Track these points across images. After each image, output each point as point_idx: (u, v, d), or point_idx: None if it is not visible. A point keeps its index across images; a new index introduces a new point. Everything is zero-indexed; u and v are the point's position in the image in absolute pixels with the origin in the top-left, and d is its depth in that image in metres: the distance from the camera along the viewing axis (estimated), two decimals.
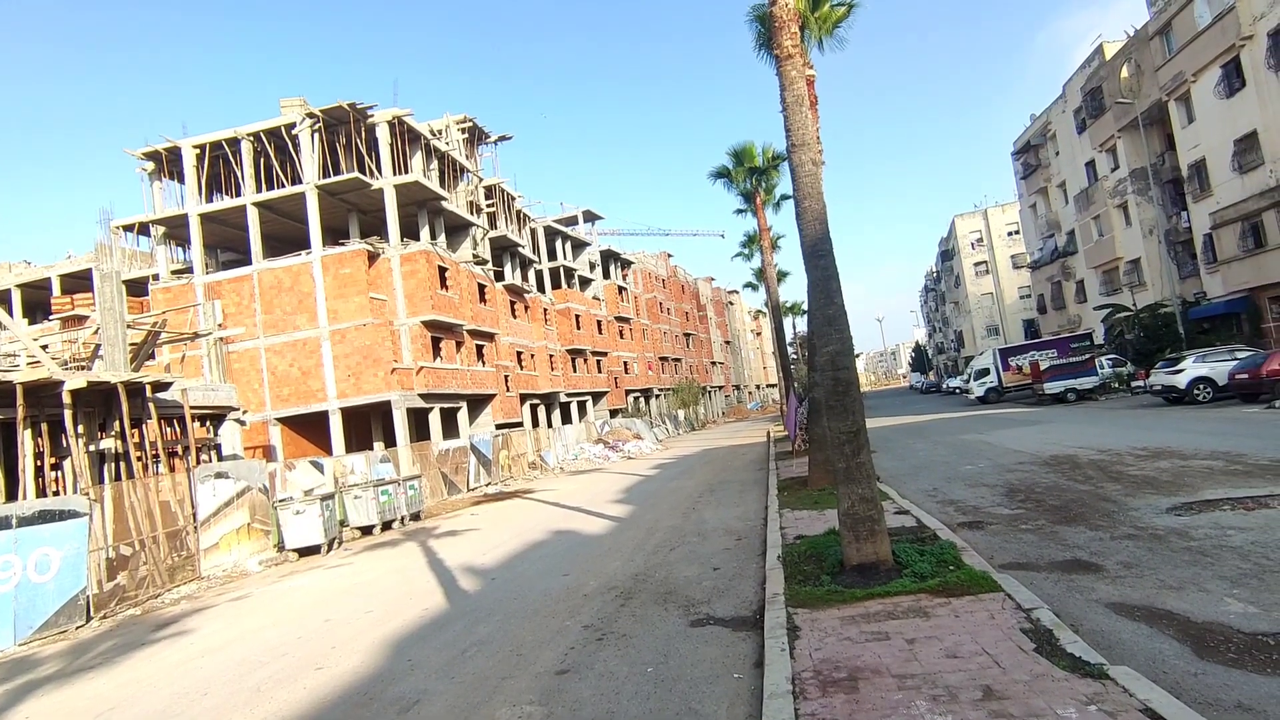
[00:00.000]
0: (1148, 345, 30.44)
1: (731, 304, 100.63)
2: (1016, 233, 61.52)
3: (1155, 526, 7.75)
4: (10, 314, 27.54)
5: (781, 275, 40.70)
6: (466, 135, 34.99)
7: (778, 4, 7.51)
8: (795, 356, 46.65)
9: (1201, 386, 20.79)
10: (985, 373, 36.94)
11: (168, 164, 29.00)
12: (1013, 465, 13.62)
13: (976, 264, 69.10)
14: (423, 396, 27.13)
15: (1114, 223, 37.41)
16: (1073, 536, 7.86)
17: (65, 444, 13.16)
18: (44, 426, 12.96)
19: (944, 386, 62.24)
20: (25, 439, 12.19)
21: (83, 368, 15.84)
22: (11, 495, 12.31)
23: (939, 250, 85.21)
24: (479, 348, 32.54)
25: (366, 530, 16.94)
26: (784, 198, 23.94)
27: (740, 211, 25.87)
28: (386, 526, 17.31)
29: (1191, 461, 11.30)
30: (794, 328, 57.73)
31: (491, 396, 32.95)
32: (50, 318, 30.39)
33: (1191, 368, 21.26)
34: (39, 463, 12.82)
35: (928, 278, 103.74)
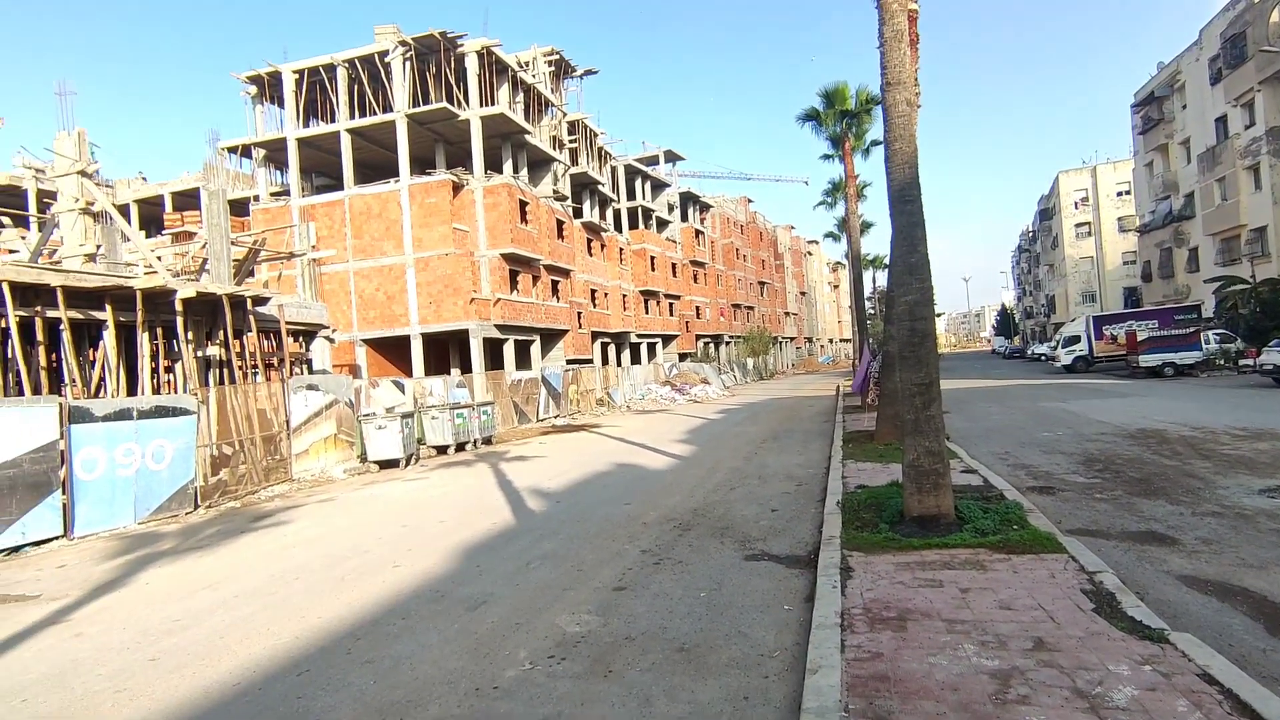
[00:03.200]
0: (1263, 322, 28.16)
1: (810, 254, 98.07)
2: (1127, 193, 57.11)
3: (1243, 506, 7.40)
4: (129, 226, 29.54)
5: (865, 226, 39.28)
6: (553, 68, 34.74)
7: None
8: (872, 311, 45.42)
9: None
10: (1075, 340, 35.08)
11: (269, 88, 30.06)
12: (1094, 435, 13.10)
13: (1078, 225, 64.68)
14: (498, 327, 27.92)
15: (1241, 186, 34.22)
16: (1150, 509, 7.60)
17: (176, 348, 14.27)
18: (159, 332, 14.08)
19: (1029, 352, 59.49)
20: (143, 341, 13.29)
21: (191, 280, 16.99)
22: (131, 391, 13.52)
23: (1038, 208, 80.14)
24: (554, 283, 33.04)
25: (441, 449, 17.86)
26: (874, 143, 22.92)
27: (827, 157, 24.94)
28: (460, 448, 18.19)
29: None
30: (873, 281, 56.08)
31: (564, 332, 33.58)
32: (163, 232, 32.47)
33: None
34: (154, 364, 13.98)
35: (1022, 237, 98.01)
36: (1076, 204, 64.75)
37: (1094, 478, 9.43)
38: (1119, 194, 59.68)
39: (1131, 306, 48.98)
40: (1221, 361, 28.96)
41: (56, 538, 9.86)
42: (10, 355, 11.57)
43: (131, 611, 6.53)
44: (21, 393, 11.47)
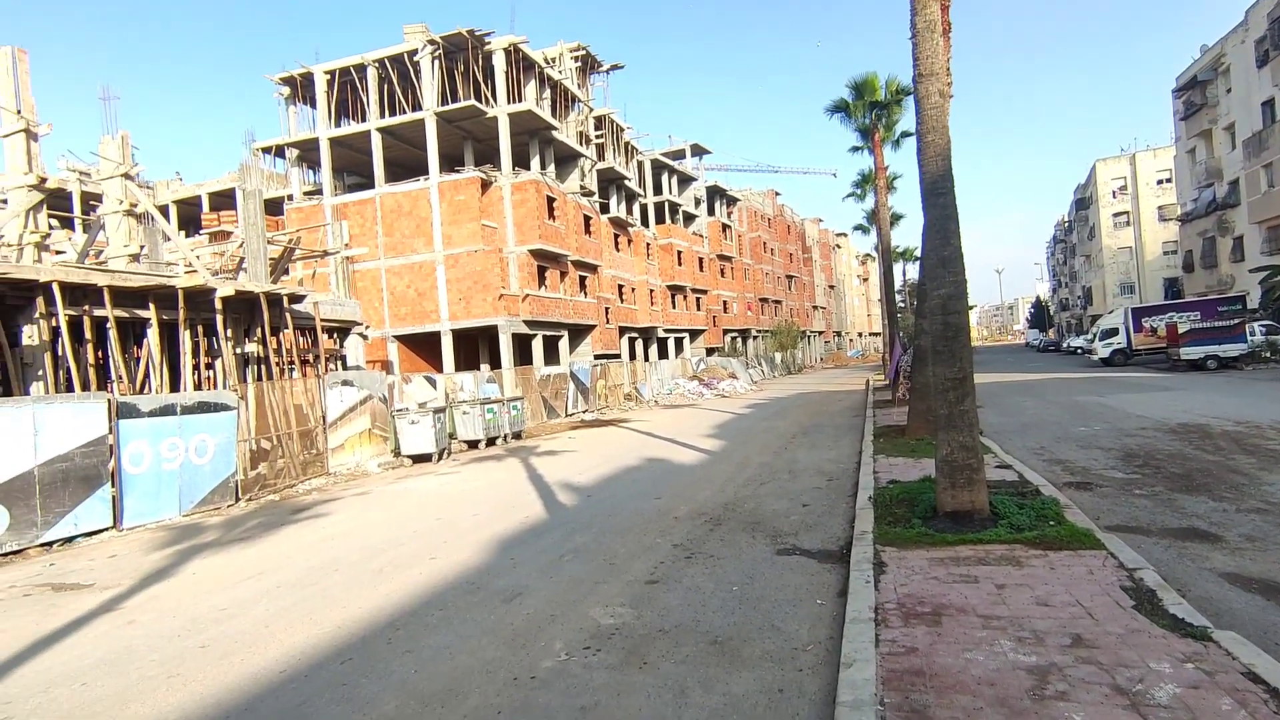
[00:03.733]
0: None
1: (838, 247, 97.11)
2: (1167, 181, 55.52)
3: None
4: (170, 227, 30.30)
5: (895, 218, 38.76)
6: (579, 64, 34.83)
7: None
8: (902, 304, 44.82)
9: None
10: (1113, 332, 34.32)
11: (301, 89, 30.60)
12: (1133, 430, 12.83)
13: (1116, 214, 63.03)
14: (527, 323, 28.15)
15: None
16: (1192, 505, 7.45)
17: (216, 346, 14.66)
18: (199, 329, 14.47)
19: (1064, 345, 58.33)
20: (185, 339, 13.67)
21: (229, 279, 17.40)
22: (174, 388, 13.92)
23: (1073, 198, 78.35)
24: (582, 279, 33.18)
25: (472, 444, 18.09)
26: (904, 135, 22.66)
27: (856, 149, 24.72)
28: (490, 442, 18.41)
29: None
30: (903, 274, 55.31)
31: (592, 327, 33.73)
32: (200, 232, 33.28)
33: None
34: (195, 361, 14.37)
35: (1057, 228, 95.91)
36: (1114, 193, 63.11)
37: (1133, 473, 9.26)
38: (1159, 182, 58.05)
39: (1172, 297, 47.73)
40: (1268, 354, 28.12)
41: (106, 529, 10.22)
42: (61, 353, 11.97)
43: (180, 600, 6.76)
44: (71, 389, 11.87)
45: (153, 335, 13.39)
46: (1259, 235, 36.29)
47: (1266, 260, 34.42)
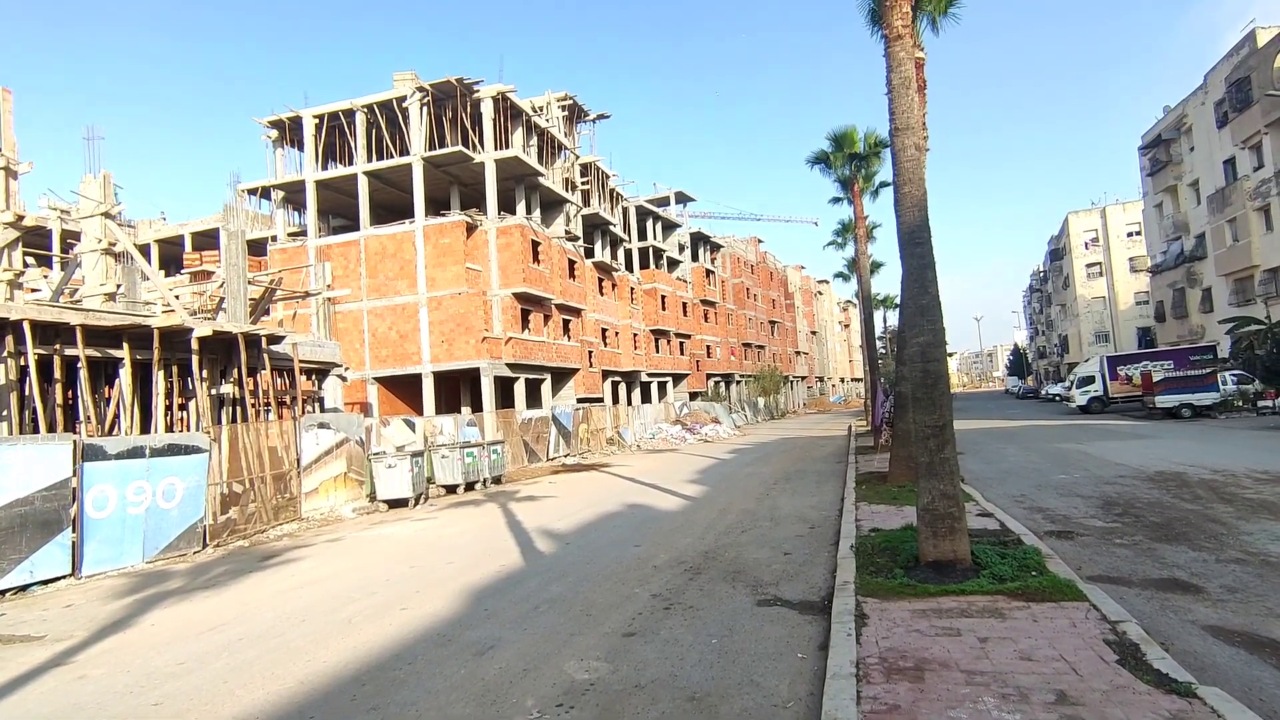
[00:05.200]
0: None
1: (820, 294, 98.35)
2: (1137, 234, 57.12)
3: (1269, 553, 7.23)
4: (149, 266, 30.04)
5: (875, 266, 39.39)
6: (566, 113, 35.48)
7: None
8: (884, 350, 45.29)
9: None
10: (1090, 380, 34.84)
11: (289, 132, 30.84)
12: (1112, 478, 12.89)
13: (1089, 265, 64.65)
14: (510, 366, 28.02)
15: (1252, 227, 34.22)
16: (1172, 555, 7.43)
17: (191, 386, 14.40)
18: (175, 369, 14.23)
19: (1043, 393, 59.08)
20: (159, 379, 13.42)
21: (208, 318, 17.21)
22: (145, 429, 13.60)
23: (1048, 249, 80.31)
24: (565, 322, 33.23)
25: (451, 489, 17.77)
26: (883, 185, 23.20)
27: (836, 200, 25.28)
28: (470, 487, 18.10)
29: None
30: (884, 321, 55.99)
31: (575, 371, 33.64)
32: (181, 271, 33.05)
33: None
34: (168, 402, 14.09)
35: (1033, 277, 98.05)
36: (1087, 244, 64.83)
37: (1113, 522, 9.25)
38: (1129, 234, 59.70)
39: (1146, 346, 48.64)
40: (1240, 403, 28.58)
41: (64, 577, 9.83)
42: (28, 393, 11.69)
43: (136, 654, 6.47)
44: (37, 430, 11.56)
45: (125, 375, 13.14)
46: (1226, 287, 37.31)
47: (1235, 311, 35.30)
